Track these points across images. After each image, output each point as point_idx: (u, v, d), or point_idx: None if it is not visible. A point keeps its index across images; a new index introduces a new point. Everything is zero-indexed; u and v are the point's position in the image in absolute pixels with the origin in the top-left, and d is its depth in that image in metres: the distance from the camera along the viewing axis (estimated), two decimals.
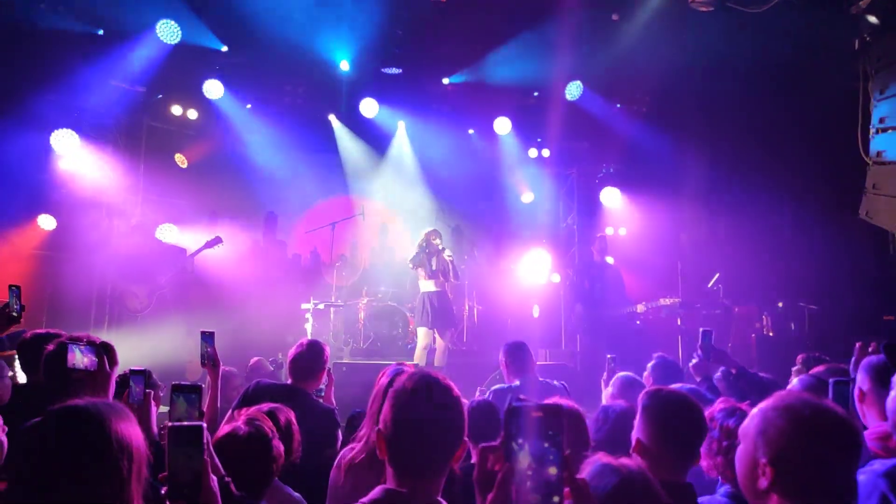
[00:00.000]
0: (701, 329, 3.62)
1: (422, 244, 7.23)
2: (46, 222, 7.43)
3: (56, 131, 7.21)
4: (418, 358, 7.12)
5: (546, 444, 1.07)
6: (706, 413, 2.18)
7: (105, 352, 2.23)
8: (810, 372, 3.30)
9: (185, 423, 1.59)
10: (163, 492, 1.46)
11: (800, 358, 4.16)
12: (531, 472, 1.06)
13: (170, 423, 1.60)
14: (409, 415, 1.46)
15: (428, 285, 7.26)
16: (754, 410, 1.48)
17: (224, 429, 2.16)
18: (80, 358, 2.18)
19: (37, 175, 7.38)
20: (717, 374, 3.57)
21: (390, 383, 2.09)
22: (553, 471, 1.06)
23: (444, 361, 7.22)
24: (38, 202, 7.41)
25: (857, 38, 6.44)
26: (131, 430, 1.45)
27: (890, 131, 5.93)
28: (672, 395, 2.12)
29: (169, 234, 7.94)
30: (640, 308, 7.45)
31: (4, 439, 1.92)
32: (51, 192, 7.52)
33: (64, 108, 7.35)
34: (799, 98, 7.63)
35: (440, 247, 7.23)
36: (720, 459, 2.10)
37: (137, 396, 2.36)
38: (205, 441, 1.52)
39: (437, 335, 7.22)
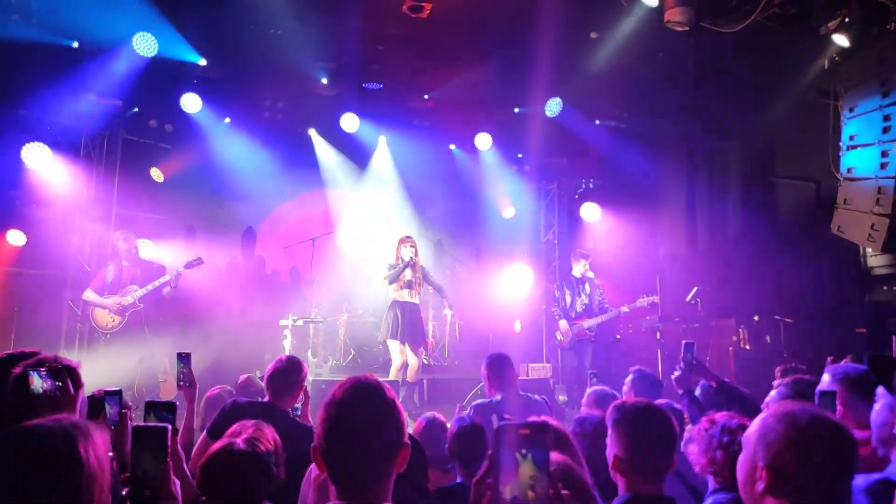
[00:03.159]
0: (683, 341, 3.63)
1: (395, 261, 6.86)
2: (16, 238, 7.25)
3: (27, 144, 7.07)
4: (394, 376, 6.69)
5: (533, 461, 1.08)
6: (706, 419, 2.20)
7: (68, 375, 2.16)
8: (775, 383, 3.35)
9: (151, 424, 1.58)
10: (124, 492, 1.43)
11: (778, 370, 4.21)
12: (518, 488, 1.08)
13: (134, 424, 1.58)
14: (338, 424, 1.41)
15: (400, 295, 6.84)
16: (755, 419, 1.51)
17: (219, 443, 2.11)
18: (39, 383, 2.11)
19: (6, 190, 7.23)
20: (697, 388, 3.59)
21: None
22: (540, 487, 1.08)
23: (417, 378, 6.86)
24: (7, 218, 7.24)
25: (827, 58, 6.64)
26: (94, 448, 1.41)
27: (860, 148, 6.10)
28: (639, 405, 2.13)
29: (144, 249, 7.79)
30: (625, 308, 7.47)
31: None
32: (21, 208, 7.35)
33: (36, 121, 7.23)
34: (773, 114, 7.80)
35: (412, 257, 6.80)
36: (718, 455, 2.10)
37: (113, 417, 2.30)
38: (169, 444, 1.52)
39: (409, 350, 6.76)
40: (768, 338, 7.48)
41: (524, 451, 1.09)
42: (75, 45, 7.20)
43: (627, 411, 2.09)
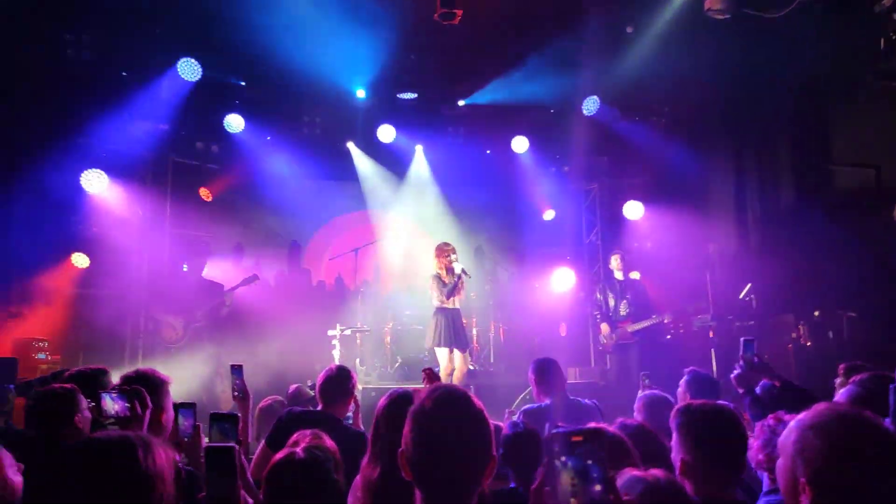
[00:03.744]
0: (743, 338, 3.47)
1: (441, 273, 6.83)
2: (80, 260, 7.61)
3: (85, 171, 7.42)
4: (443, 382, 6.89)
5: (589, 468, 1.08)
6: (774, 416, 2.13)
7: (136, 396, 2.25)
8: (851, 380, 3.18)
9: (219, 444, 1.62)
10: None
11: (841, 368, 4.00)
12: (576, 496, 1.06)
13: (207, 445, 1.62)
14: (430, 434, 1.40)
15: (444, 303, 6.83)
16: (791, 424, 1.45)
17: (280, 453, 2.15)
18: (111, 405, 2.23)
19: (69, 215, 7.60)
20: (758, 388, 3.44)
21: (387, 406, 2.08)
22: (598, 494, 1.07)
23: (463, 384, 6.86)
24: (72, 241, 7.60)
25: (883, 38, 6.34)
26: (155, 460, 1.44)
27: None
28: (705, 407, 2.06)
29: (208, 268, 8.05)
30: (668, 318, 7.27)
31: (19, 478, 1.93)
32: (83, 231, 7.72)
33: (92, 148, 7.57)
34: (823, 102, 7.50)
35: (463, 269, 6.78)
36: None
37: (187, 431, 2.38)
38: (237, 463, 1.57)
39: (456, 355, 6.80)
40: (830, 333, 7.14)
41: (579, 458, 1.07)
42: (125, 74, 7.54)
43: (694, 413, 2.02)
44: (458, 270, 6.76)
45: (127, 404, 2.24)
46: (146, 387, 2.67)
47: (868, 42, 6.39)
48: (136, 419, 2.23)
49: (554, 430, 1.11)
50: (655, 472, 1.55)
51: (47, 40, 6.76)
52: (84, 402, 2.72)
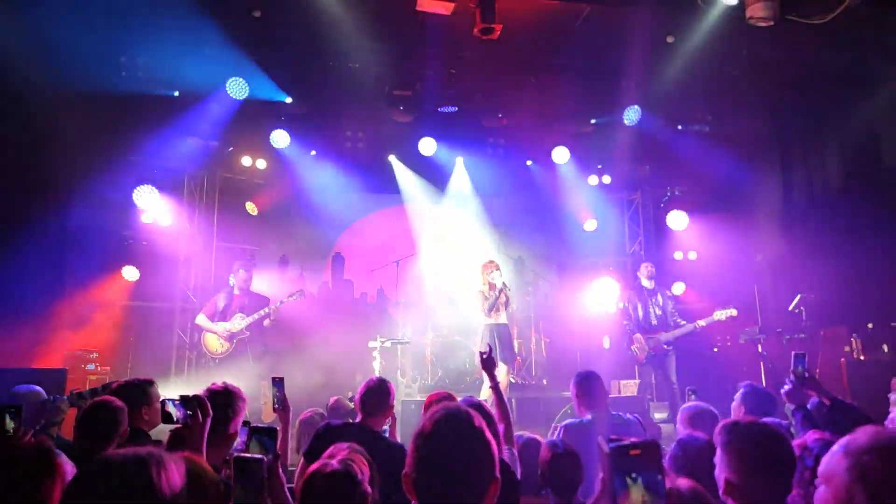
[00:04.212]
0: (794, 352, 3.35)
1: (484, 289, 7.02)
2: (130, 273, 7.91)
3: (137, 188, 7.74)
4: (486, 395, 6.87)
5: (650, 478, 1.08)
6: (796, 442, 2.04)
7: (197, 405, 2.32)
8: (892, 398, 3.05)
9: (247, 455, 1.65)
10: None
11: (894, 382, 3.84)
12: None
13: (235, 455, 1.67)
14: (430, 454, 1.41)
15: (490, 319, 7.05)
16: (835, 450, 1.39)
17: (315, 465, 2.18)
18: (172, 411, 2.33)
19: (121, 230, 7.92)
20: (808, 404, 3.31)
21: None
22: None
23: (506, 396, 6.96)
24: (122, 255, 7.91)
25: None
26: (169, 477, 1.43)
27: None
28: (753, 426, 1.98)
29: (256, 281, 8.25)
30: (701, 323, 7.00)
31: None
32: (134, 246, 8.03)
33: (144, 165, 7.90)
34: (873, 105, 7.24)
35: (504, 283, 6.97)
36: (812, 491, 1.95)
37: (239, 447, 2.46)
38: (265, 475, 1.59)
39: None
40: (885, 347, 6.83)
41: (636, 473, 1.07)
42: (176, 93, 7.85)
43: (740, 432, 1.95)
44: (498, 285, 6.94)
45: (188, 412, 2.31)
46: (227, 400, 2.78)
47: None
48: (196, 426, 2.30)
49: (612, 445, 1.09)
50: (679, 484, 1.52)
51: (105, 62, 7.10)
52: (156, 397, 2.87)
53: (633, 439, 1.50)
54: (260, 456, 1.64)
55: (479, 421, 1.46)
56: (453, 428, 1.43)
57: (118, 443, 2.87)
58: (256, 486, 1.59)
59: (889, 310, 6.96)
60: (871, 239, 7.36)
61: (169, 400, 2.32)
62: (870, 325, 6.95)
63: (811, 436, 2.09)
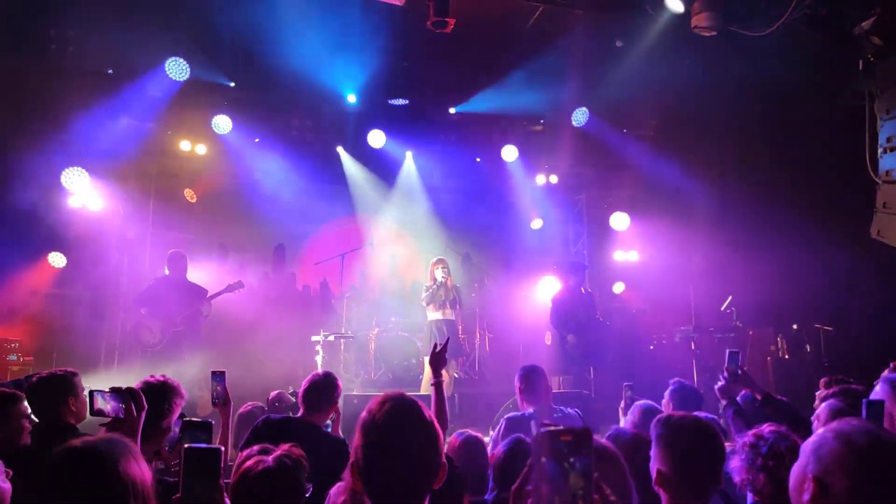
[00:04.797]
0: (728, 350, 3.50)
1: (430, 283, 7.23)
2: (57, 260, 7.47)
3: (66, 170, 7.30)
4: (424, 390, 6.76)
5: (575, 467, 1.05)
6: (752, 432, 2.14)
7: (132, 398, 2.20)
8: (817, 394, 3.23)
9: (204, 445, 1.57)
10: None
11: (823, 382, 4.05)
12: (563, 498, 1.04)
13: (186, 445, 1.58)
14: (376, 442, 1.44)
15: (436, 315, 7.21)
16: (819, 431, 1.49)
17: (249, 462, 2.12)
18: (102, 404, 2.17)
19: (48, 214, 7.46)
20: (738, 399, 3.46)
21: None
22: (586, 495, 1.05)
23: (450, 391, 6.92)
24: (49, 241, 7.46)
25: (861, 59, 6.47)
26: (137, 467, 1.43)
27: None
28: (685, 420, 2.07)
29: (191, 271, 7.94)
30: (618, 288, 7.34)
31: (7, 485, 1.88)
32: (62, 230, 7.58)
33: (74, 146, 7.46)
34: (806, 118, 7.63)
35: (443, 278, 7.16)
36: (761, 477, 2.07)
37: (174, 437, 2.35)
38: (221, 467, 1.54)
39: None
40: (808, 347, 7.25)
41: (568, 459, 1.05)
42: (110, 71, 7.45)
43: (673, 426, 2.03)
44: (439, 279, 7.15)
45: (122, 405, 2.18)
46: (165, 394, 2.64)
47: (847, 62, 6.53)
48: (130, 421, 2.17)
49: (542, 429, 1.09)
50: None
51: (32, 35, 6.66)
52: (26, 411, 2.68)
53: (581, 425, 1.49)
54: (218, 446, 1.56)
55: (427, 411, 1.51)
56: (403, 416, 1.46)
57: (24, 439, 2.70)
58: (212, 478, 1.51)
59: (812, 312, 7.38)
60: (799, 249, 7.78)
61: (98, 392, 2.17)
62: (795, 327, 7.35)
63: (767, 427, 2.20)
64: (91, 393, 2.18)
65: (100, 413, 2.18)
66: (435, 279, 7.19)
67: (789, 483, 1.49)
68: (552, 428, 1.08)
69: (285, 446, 2.24)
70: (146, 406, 2.24)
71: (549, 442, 1.06)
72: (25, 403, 2.80)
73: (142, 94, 7.48)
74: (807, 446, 1.46)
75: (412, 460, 1.43)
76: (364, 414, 1.50)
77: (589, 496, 1.04)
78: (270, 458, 2.15)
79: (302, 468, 2.17)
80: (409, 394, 1.54)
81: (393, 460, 1.43)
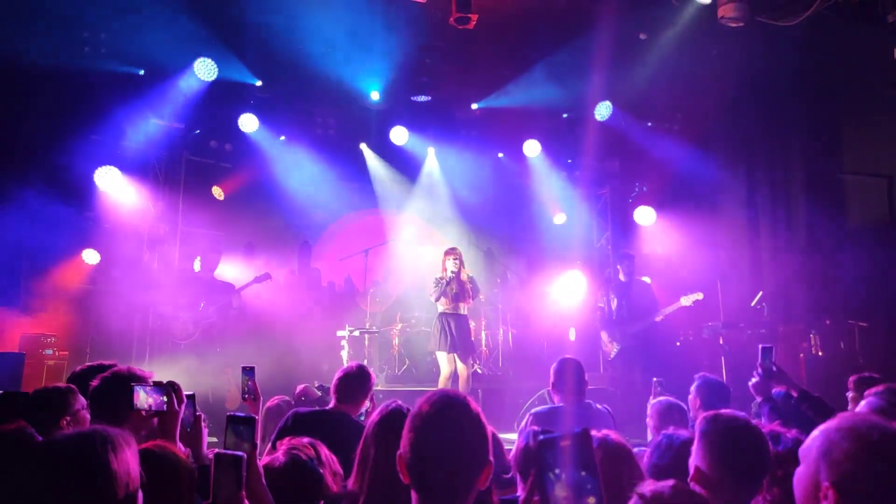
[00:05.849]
0: (761, 346, 3.42)
1: (441, 274, 6.82)
2: (91, 257, 7.66)
3: (99, 168, 7.48)
4: (442, 386, 6.66)
5: (581, 473, 1.06)
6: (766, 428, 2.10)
7: (173, 391, 2.26)
8: (865, 393, 3.15)
9: (228, 451, 1.62)
10: None
11: (852, 381, 3.97)
12: (570, 500, 1.05)
13: (216, 451, 1.63)
14: (427, 437, 1.44)
15: (448, 307, 6.82)
16: (816, 431, 1.43)
17: (263, 461, 2.15)
18: (144, 399, 2.23)
19: (82, 212, 7.65)
20: (774, 396, 3.40)
21: (380, 421, 2.01)
22: (592, 500, 1.05)
23: (468, 388, 6.83)
24: (83, 238, 7.65)
25: (894, 48, 6.31)
26: (125, 458, 1.44)
27: None
28: (733, 421, 2.01)
29: (221, 267, 8.08)
30: (658, 317, 7.05)
31: None
32: (95, 228, 7.77)
33: (107, 145, 7.63)
34: (836, 110, 7.46)
35: (453, 271, 6.71)
36: (777, 491, 2.00)
37: (188, 419, 2.39)
38: (244, 472, 1.58)
39: (458, 361, 6.76)
40: (842, 343, 7.09)
41: (572, 462, 1.06)
42: (141, 72, 7.61)
43: (721, 425, 1.98)
44: (449, 272, 6.73)
45: (164, 398, 2.24)
46: (122, 386, 2.66)
47: (881, 52, 6.37)
48: (172, 413, 2.23)
49: (541, 437, 1.09)
50: (659, 489, 1.55)
51: (65, 38, 6.83)
52: (78, 403, 2.70)
53: (605, 431, 1.49)
54: (240, 453, 1.61)
55: (475, 406, 1.50)
56: (452, 412, 1.46)
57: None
58: (235, 483, 1.57)
59: (846, 307, 7.22)
60: (830, 240, 7.61)
61: (140, 386, 2.23)
62: (828, 322, 7.19)
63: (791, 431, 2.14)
64: (132, 386, 2.24)
65: (138, 409, 2.24)
66: (446, 270, 6.77)
67: (796, 491, 1.43)
68: (549, 436, 1.09)
69: (297, 440, 2.27)
70: (185, 399, 2.30)
71: (550, 449, 1.07)
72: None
73: (171, 95, 7.62)
74: (810, 451, 1.40)
75: (456, 454, 1.42)
76: (414, 409, 1.51)
77: (599, 494, 1.04)
78: (280, 453, 2.18)
79: (315, 462, 2.18)
80: (425, 389, 1.55)
81: (437, 452, 1.42)
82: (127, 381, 2.35)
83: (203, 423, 2.42)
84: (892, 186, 7.84)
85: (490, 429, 1.52)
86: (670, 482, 1.60)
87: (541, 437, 1.10)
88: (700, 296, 6.86)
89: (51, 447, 1.41)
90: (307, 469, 2.14)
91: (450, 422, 1.44)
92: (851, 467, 1.31)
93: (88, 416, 2.58)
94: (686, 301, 6.99)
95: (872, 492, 1.29)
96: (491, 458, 1.46)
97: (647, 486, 1.60)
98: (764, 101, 7.95)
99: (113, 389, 2.39)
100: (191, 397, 2.45)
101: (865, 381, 3.72)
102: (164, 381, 2.28)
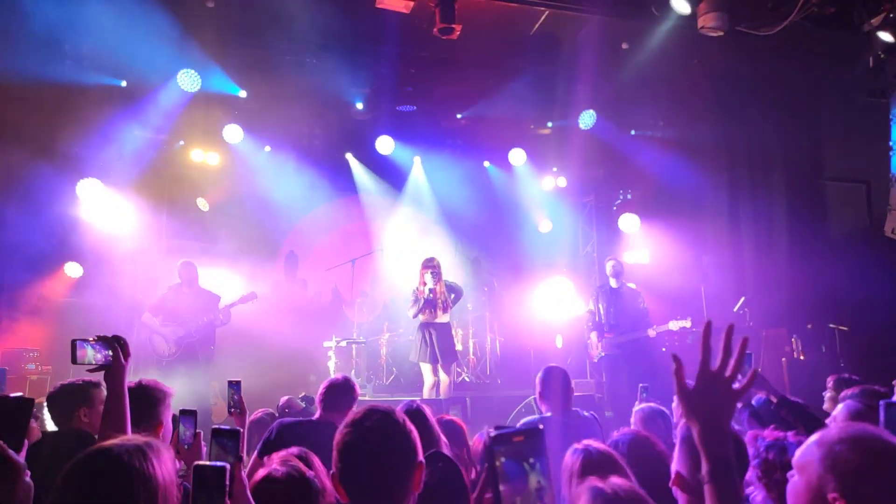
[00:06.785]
0: None
1: (420, 286, 6.73)
2: (73, 270, 7.57)
3: (81, 180, 7.40)
4: (427, 395, 6.64)
5: (536, 467, 1.06)
6: (749, 437, 2.11)
7: (118, 344, 2.19)
8: (842, 395, 3.20)
9: (209, 463, 1.61)
10: None
11: (830, 380, 4.02)
12: (523, 499, 1.06)
13: (196, 463, 1.62)
14: (350, 447, 1.49)
15: (427, 317, 6.76)
16: (810, 442, 1.44)
17: (259, 473, 2.13)
18: (91, 354, 2.15)
19: (64, 224, 7.56)
20: (753, 402, 3.44)
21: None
22: (545, 496, 1.06)
23: (450, 394, 6.80)
24: (65, 251, 7.56)
25: (871, 56, 6.45)
26: (163, 466, 1.46)
27: None
28: None
29: (203, 278, 8.00)
30: (652, 333, 7.07)
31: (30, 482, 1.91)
32: (77, 241, 7.68)
33: (89, 157, 7.55)
34: (816, 118, 7.59)
35: (431, 288, 6.61)
36: (775, 495, 2.00)
37: (188, 439, 2.37)
38: (227, 484, 1.57)
39: (440, 369, 6.72)
40: (824, 347, 7.19)
41: (528, 459, 1.07)
42: (124, 83, 7.56)
43: None
44: (428, 286, 6.64)
45: (109, 352, 2.17)
46: (147, 398, 2.66)
47: (858, 60, 6.51)
48: (118, 366, 2.17)
49: (492, 432, 1.10)
50: (615, 482, 1.59)
51: (49, 49, 6.78)
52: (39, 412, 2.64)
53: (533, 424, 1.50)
54: (222, 464, 1.60)
55: (400, 412, 1.57)
56: (373, 417, 1.53)
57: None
58: (219, 496, 1.56)
59: (827, 312, 7.32)
60: (811, 245, 7.73)
61: (82, 341, 2.12)
62: (809, 326, 7.29)
63: (749, 435, 2.16)
64: (74, 342, 2.12)
65: (83, 362, 2.14)
66: (425, 284, 6.66)
67: (794, 501, 1.43)
68: (501, 431, 1.10)
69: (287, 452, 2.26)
70: (131, 353, 2.23)
71: (504, 444, 1.08)
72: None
73: (155, 106, 7.58)
74: (810, 463, 1.40)
75: (382, 461, 1.47)
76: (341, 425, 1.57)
77: (550, 493, 1.05)
78: (276, 463, 2.16)
79: (313, 472, 2.17)
80: (412, 398, 1.59)
81: (362, 456, 1.47)
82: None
83: (202, 442, 2.39)
84: (871, 192, 7.99)
85: (415, 431, 1.56)
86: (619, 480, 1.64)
87: (493, 432, 1.09)
88: (688, 323, 6.90)
89: (96, 455, 1.42)
90: (308, 481, 2.13)
91: (369, 429, 1.50)
92: (862, 479, 1.32)
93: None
94: (674, 326, 6.99)
95: (882, 500, 1.31)
96: (421, 460, 1.51)
97: (597, 481, 1.65)
98: (744, 109, 8.07)
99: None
100: (192, 413, 2.43)
101: (844, 381, 3.78)
102: (110, 336, 2.19)
